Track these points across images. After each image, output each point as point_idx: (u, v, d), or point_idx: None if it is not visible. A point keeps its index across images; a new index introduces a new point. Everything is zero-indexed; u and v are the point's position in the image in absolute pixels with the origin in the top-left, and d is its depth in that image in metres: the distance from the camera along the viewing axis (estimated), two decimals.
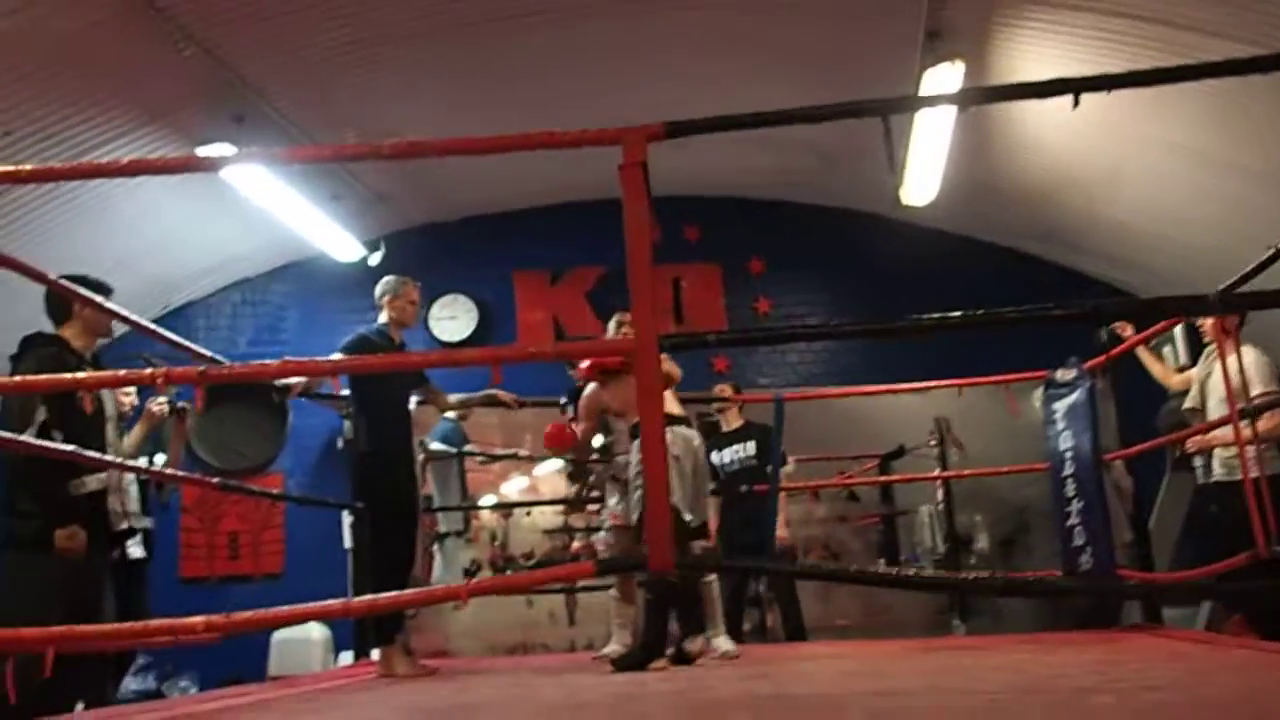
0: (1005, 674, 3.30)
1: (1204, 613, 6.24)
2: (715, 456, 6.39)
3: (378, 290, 4.91)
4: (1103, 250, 8.32)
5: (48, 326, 3.98)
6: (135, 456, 4.71)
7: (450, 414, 7.20)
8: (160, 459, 5.13)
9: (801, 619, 6.56)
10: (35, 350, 3.83)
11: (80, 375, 3.52)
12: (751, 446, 6.52)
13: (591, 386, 4.80)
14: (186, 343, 4.10)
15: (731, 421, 6.73)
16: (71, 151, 6.08)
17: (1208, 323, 5.24)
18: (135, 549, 4.88)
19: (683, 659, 4.30)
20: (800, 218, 8.97)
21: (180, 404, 5.03)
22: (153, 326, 3.95)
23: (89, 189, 6.69)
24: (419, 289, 5.01)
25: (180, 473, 5.07)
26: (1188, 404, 5.46)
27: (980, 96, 2.63)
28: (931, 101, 3.00)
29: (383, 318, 4.85)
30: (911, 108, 3.42)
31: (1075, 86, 2.44)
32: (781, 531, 6.49)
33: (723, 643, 4.58)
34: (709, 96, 5.37)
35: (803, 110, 2.57)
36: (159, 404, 4.93)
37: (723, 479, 6.43)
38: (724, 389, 6.90)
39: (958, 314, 2.40)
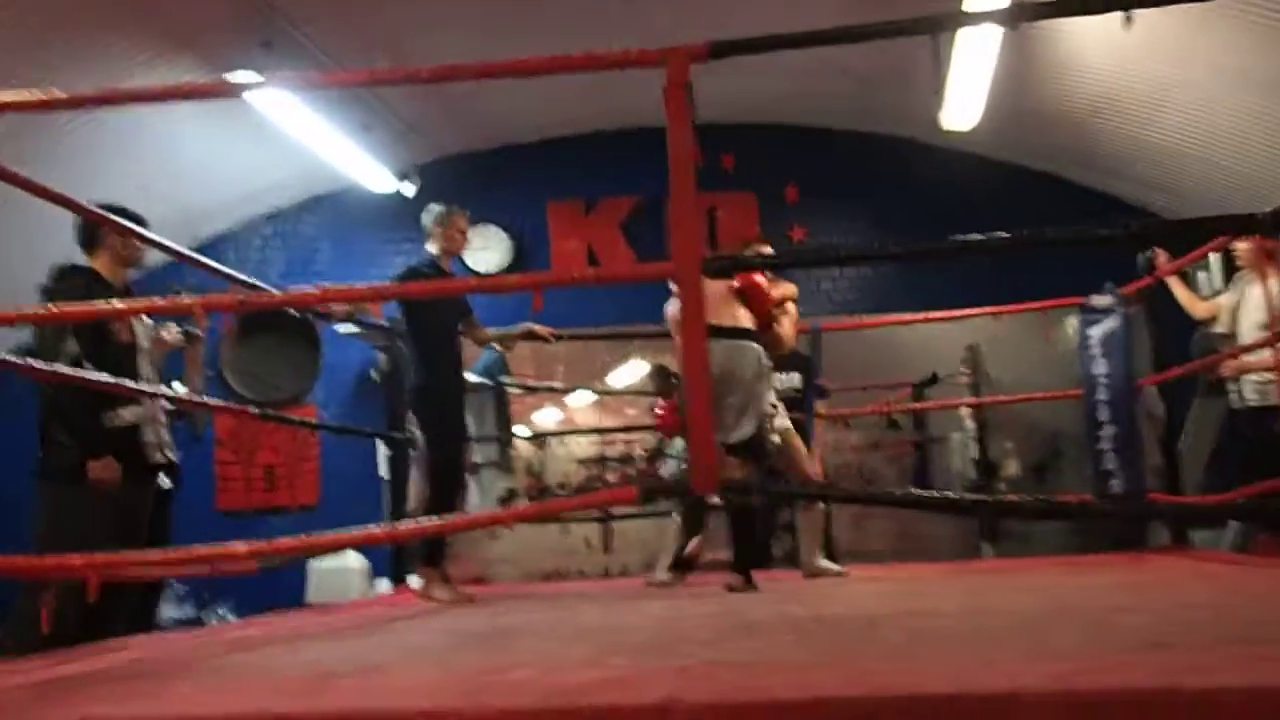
0: (1037, 595, 3.32)
1: (1230, 534, 6.23)
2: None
3: (425, 220, 4.88)
4: (1143, 175, 8.16)
5: (80, 258, 4.00)
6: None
7: (495, 345, 7.22)
8: (178, 387, 5.03)
9: (834, 546, 6.59)
10: (66, 281, 3.84)
11: (113, 304, 3.54)
12: (796, 378, 6.45)
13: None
14: (226, 269, 4.09)
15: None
16: (97, 79, 6.05)
17: (1242, 248, 5.18)
18: (162, 480, 4.87)
19: (684, 565, 4.51)
20: (837, 144, 8.85)
21: (193, 330, 4.78)
22: (189, 253, 3.95)
23: (117, 118, 6.66)
24: (467, 217, 4.96)
25: (218, 402, 5.11)
26: (1219, 329, 5.41)
27: (1030, 13, 2.57)
28: (978, 19, 2.94)
29: (431, 248, 4.81)
30: (958, 25, 3.34)
31: (1127, 3, 2.37)
32: (817, 465, 6.45)
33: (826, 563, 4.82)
34: (746, 19, 5.27)
35: (849, 29, 2.52)
36: (171, 332, 4.61)
37: None
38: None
39: (1001, 235, 2.37)
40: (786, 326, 4.71)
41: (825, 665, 1.84)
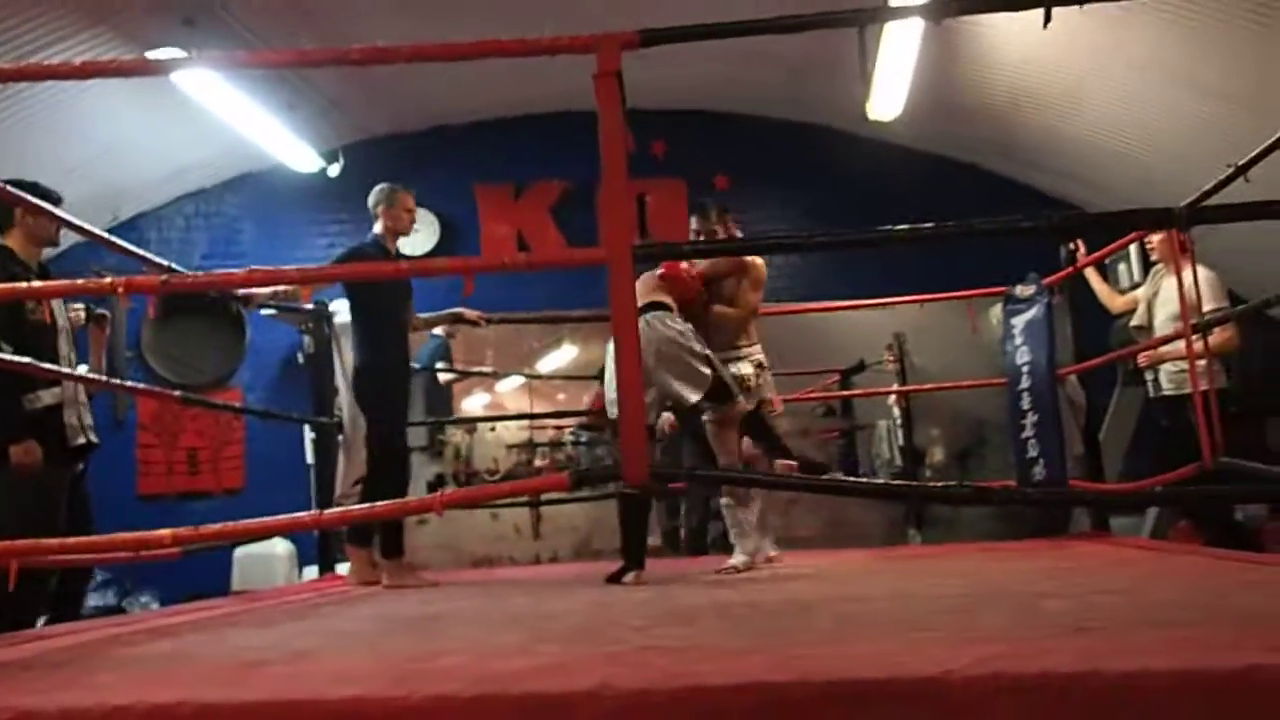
0: (964, 580, 3.38)
1: (1149, 521, 6.42)
2: None
3: (370, 199, 4.84)
4: (1063, 168, 8.35)
5: None
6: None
7: (437, 331, 7.14)
8: (82, 369, 4.91)
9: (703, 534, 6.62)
10: None
11: (32, 285, 3.44)
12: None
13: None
14: (143, 252, 4.00)
15: None
16: (10, 55, 5.87)
17: (1156, 241, 5.32)
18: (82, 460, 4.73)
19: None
20: (766, 132, 8.90)
21: (98, 311, 4.71)
22: (104, 235, 3.85)
23: (34, 95, 6.48)
24: (414, 196, 4.92)
25: (140, 385, 5.00)
26: (1135, 322, 5.56)
27: (955, 8, 2.58)
28: (905, 13, 2.96)
29: (377, 228, 4.77)
30: (886, 18, 3.38)
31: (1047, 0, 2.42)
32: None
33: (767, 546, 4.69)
34: (678, 7, 5.27)
35: (779, 21, 2.53)
36: (74, 309, 4.50)
37: None
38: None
39: (928, 225, 2.40)
40: (741, 299, 4.58)
41: (756, 650, 1.85)
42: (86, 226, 3.73)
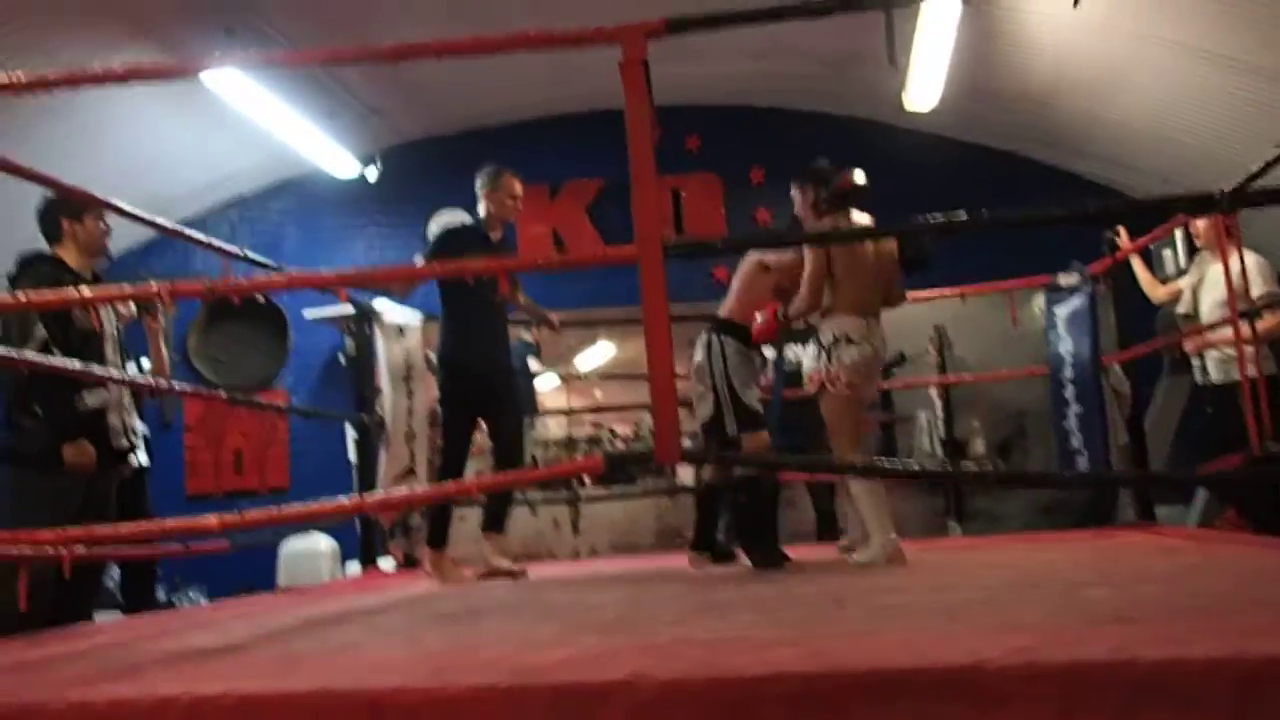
0: (1002, 571, 3.37)
1: (1196, 511, 6.33)
2: (769, 352, 6.32)
3: (476, 182, 4.69)
4: (1105, 153, 8.24)
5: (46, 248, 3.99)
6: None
7: (524, 335, 7.12)
8: (145, 364, 4.96)
9: (835, 521, 6.51)
10: (32, 269, 3.83)
11: (82, 291, 3.53)
12: (812, 349, 6.38)
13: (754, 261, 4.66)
14: (211, 240, 4.04)
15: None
16: (55, 67, 5.99)
17: (1201, 227, 5.24)
18: (138, 457, 4.83)
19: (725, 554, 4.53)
20: (802, 126, 8.87)
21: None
22: (172, 225, 3.91)
23: (83, 107, 6.60)
24: (520, 181, 4.69)
25: (186, 386, 5.08)
26: (1180, 309, 5.48)
27: None
28: None
29: (480, 210, 4.64)
30: (913, 1, 3.37)
31: None
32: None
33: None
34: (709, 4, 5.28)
35: (805, 5, 2.53)
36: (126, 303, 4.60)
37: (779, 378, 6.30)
38: None
39: (964, 215, 2.39)
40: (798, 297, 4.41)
41: (789, 642, 1.86)
42: (145, 215, 3.78)
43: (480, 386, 4.46)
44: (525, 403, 7.83)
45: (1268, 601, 2.21)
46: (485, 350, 4.44)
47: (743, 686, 1.48)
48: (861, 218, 4.43)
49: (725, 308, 4.62)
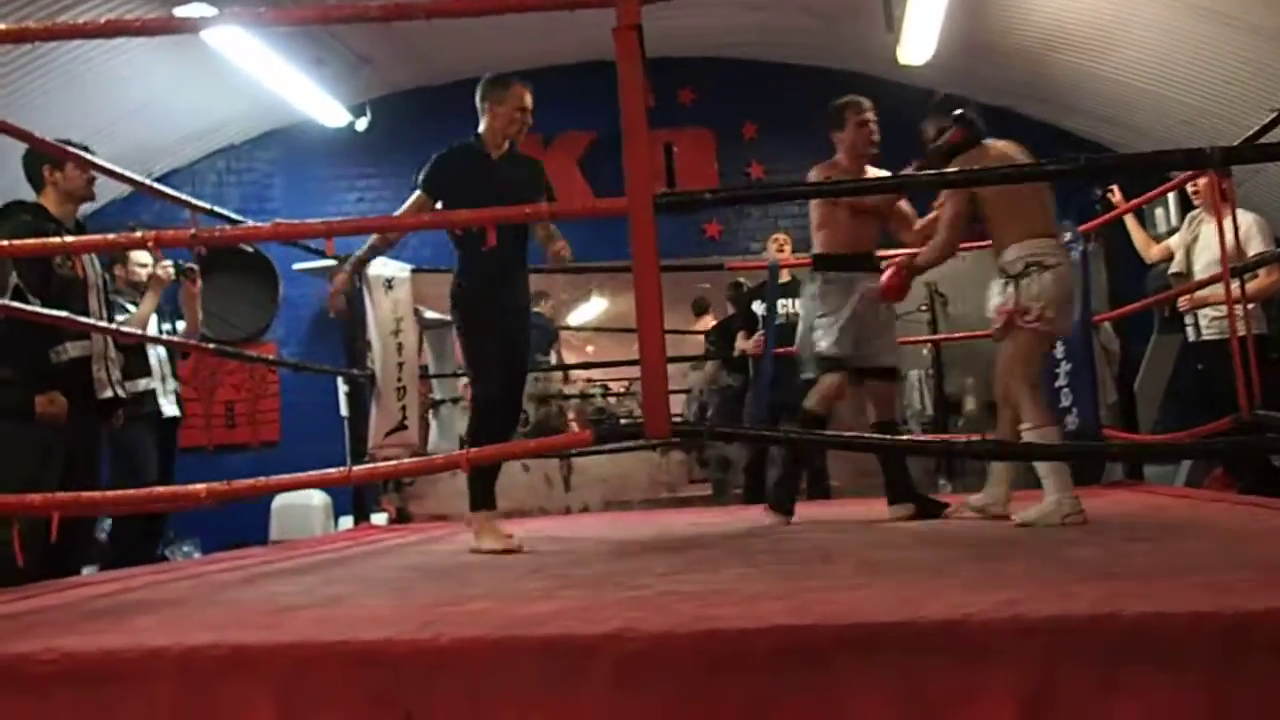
0: (990, 528, 3.39)
1: (1184, 470, 6.37)
2: (759, 308, 6.26)
3: (477, 93, 4.21)
4: (1099, 111, 8.20)
5: (30, 196, 3.95)
6: (145, 324, 4.74)
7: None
8: (181, 326, 5.19)
9: (828, 479, 6.51)
10: (12, 217, 3.79)
11: (64, 240, 3.50)
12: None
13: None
14: (184, 197, 3.99)
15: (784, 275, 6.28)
16: (37, 15, 5.88)
17: (1201, 185, 5.22)
18: (169, 407, 5.12)
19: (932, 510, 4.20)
20: (795, 80, 8.79)
21: (187, 265, 4.97)
22: (145, 181, 3.87)
23: (67, 54, 6.51)
24: (530, 91, 4.15)
25: (175, 338, 5.07)
26: (1174, 269, 5.47)
27: None
28: None
29: (481, 126, 4.10)
30: None
31: None
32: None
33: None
34: None
35: None
36: (164, 267, 4.83)
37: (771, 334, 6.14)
38: (781, 237, 6.61)
39: (955, 170, 2.38)
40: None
41: (777, 596, 1.87)
42: (122, 172, 3.74)
43: (500, 324, 3.86)
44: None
45: (1253, 560, 2.23)
46: (500, 285, 3.86)
47: (730, 639, 1.49)
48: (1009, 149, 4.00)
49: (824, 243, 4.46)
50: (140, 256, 5.09)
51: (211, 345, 5.29)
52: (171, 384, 5.18)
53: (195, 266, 4.97)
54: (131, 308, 4.85)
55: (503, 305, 3.85)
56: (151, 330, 4.81)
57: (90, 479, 3.78)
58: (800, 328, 4.53)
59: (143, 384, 4.90)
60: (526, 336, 4.11)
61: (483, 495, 3.71)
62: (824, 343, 4.24)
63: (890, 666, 1.45)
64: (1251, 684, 1.41)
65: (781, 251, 6.37)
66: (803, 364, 4.46)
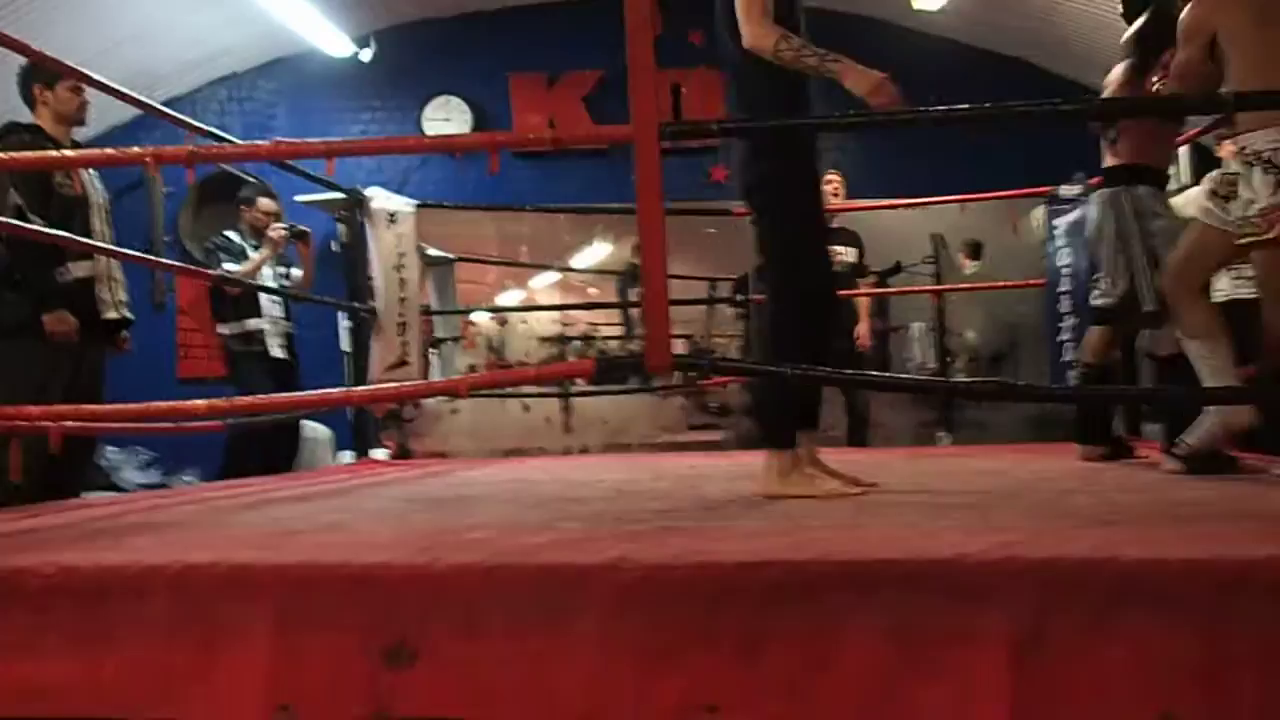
0: (989, 477, 3.39)
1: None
2: None
3: None
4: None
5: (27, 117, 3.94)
6: (255, 275, 5.44)
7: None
8: (296, 274, 5.82)
9: (866, 428, 6.46)
10: (10, 137, 3.79)
11: (63, 154, 3.47)
12: (853, 253, 6.27)
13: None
14: (187, 119, 3.92)
15: (832, 219, 6.03)
16: None
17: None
18: (277, 350, 5.63)
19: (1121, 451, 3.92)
20: (808, 23, 8.60)
21: (300, 227, 5.64)
22: (148, 101, 3.82)
23: None
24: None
25: (178, 264, 5.07)
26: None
27: None
28: None
29: None
30: None
31: None
32: (864, 336, 6.45)
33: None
34: None
35: None
36: (278, 230, 5.48)
37: None
38: (834, 177, 6.24)
39: (964, 107, 2.36)
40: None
41: (774, 532, 1.88)
42: (123, 89, 3.69)
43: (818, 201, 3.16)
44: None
45: (1250, 513, 2.23)
46: (807, 161, 3.13)
47: (725, 572, 1.50)
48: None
49: (1117, 154, 3.78)
50: (265, 203, 5.75)
51: (212, 274, 5.28)
52: (282, 326, 5.69)
53: (308, 230, 5.72)
54: (250, 251, 5.56)
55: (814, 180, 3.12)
56: (266, 277, 5.54)
57: (93, 399, 3.78)
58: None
59: (251, 324, 5.56)
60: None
61: (782, 427, 2.82)
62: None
63: (884, 603, 1.46)
64: (1248, 631, 1.41)
65: (836, 195, 6.21)
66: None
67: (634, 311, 8.42)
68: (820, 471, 2.85)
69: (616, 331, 9.23)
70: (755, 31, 2.75)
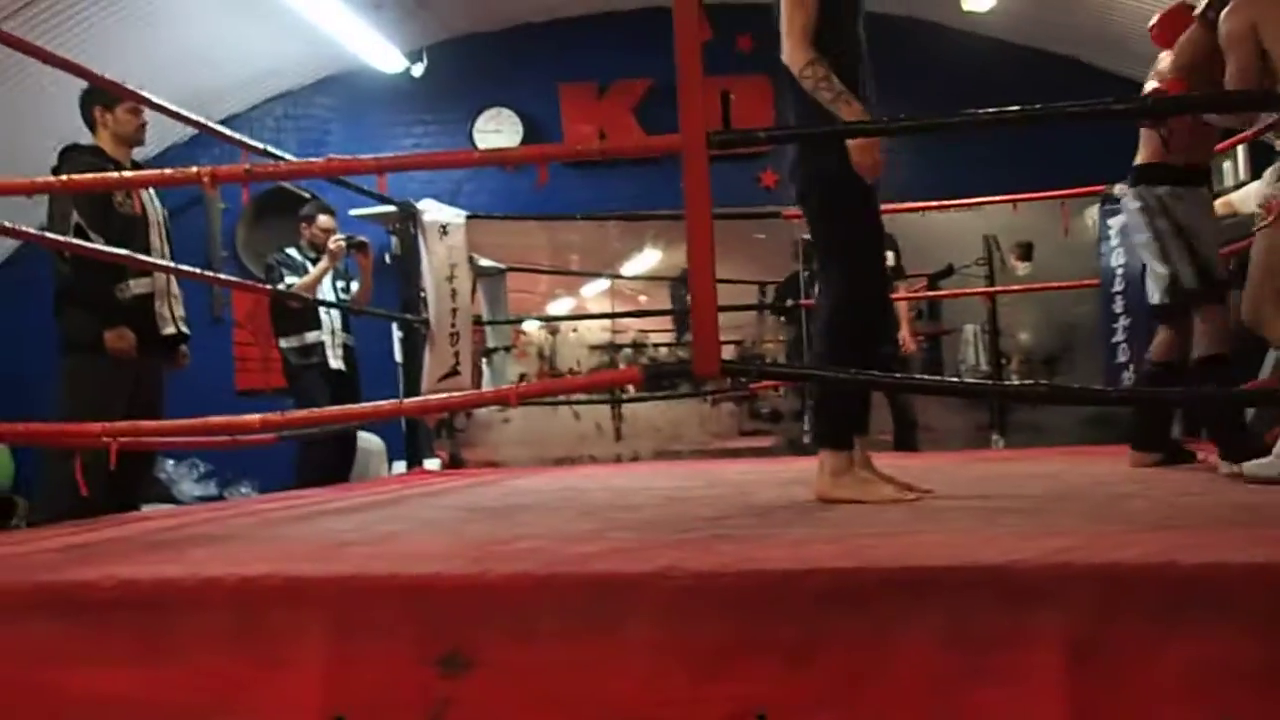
0: (1043, 481, 3.35)
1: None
2: None
3: None
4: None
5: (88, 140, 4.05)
6: (314, 288, 5.59)
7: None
8: (355, 288, 5.96)
9: (915, 434, 6.34)
10: (72, 158, 3.89)
11: (122, 175, 3.56)
12: (890, 256, 6.24)
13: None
14: (242, 138, 4.02)
15: None
16: None
17: None
18: (337, 362, 5.76)
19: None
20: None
21: (359, 238, 5.74)
22: (205, 122, 3.91)
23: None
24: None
25: (236, 279, 5.17)
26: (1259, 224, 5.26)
27: None
28: None
29: None
30: None
31: None
32: (907, 340, 6.44)
33: None
34: None
35: None
36: (336, 241, 5.59)
37: None
38: None
39: (1015, 108, 2.33)
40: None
41: (825, 540, 1.87)
42: (180, 111, 3.77)
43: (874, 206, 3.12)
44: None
45: None
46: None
47: (774, 579, 1.49)
48: None
49: (1141, 153, 3.82)
50: (324, 220, 5.85)
51: (270, 288, 5.38)
52: (341, 338, 5.80)
53: (367, 241, 5.82)
54: (310, 266, 5.68)
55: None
56: (326, 290, 5.68)
57: (153, 414, 3.86)
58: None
59: (310, 337, 5.71)
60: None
61: (839, 427, 2.81)
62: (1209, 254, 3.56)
63: (937, 609, 1.44)
64: None
65: None
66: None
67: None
68: (874, 476, 2.84)
69: (667, 338, 9.23)
70: (791, 48, 2.82)
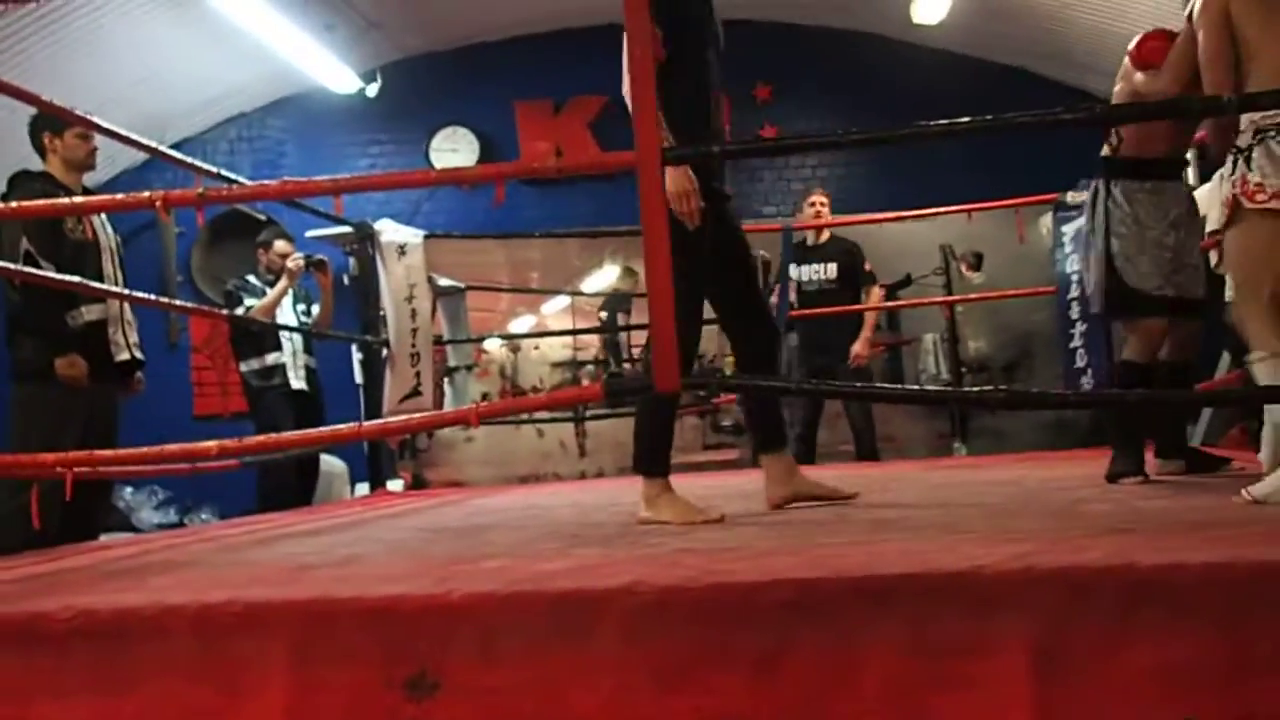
0: (1004, 487, 3.38)
1: (1201, 428, 6.33)
2: (794, 272, 6.07)
3: None
4: (1115, 69, 8.08)
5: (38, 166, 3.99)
6: (273, 309, 5.50)
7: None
8: (316, 310, 5.87)
9: (875, 443, 6.18)
10: (21, 185, 3.84)
11: (72, 200, 3.52)
12: (833, 269, 6.13)
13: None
14: (194, 161, 4.00)
15: (820, 235, 6.25)
16: None
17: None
18: (298, 382, 5.66)
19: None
20: (808, 40, 8.72)
21: (317, 257, 5.67)
22: (155, 145, 3.87)
23: (70, 20, 6.49)
24: None
25: (191, 305, 5.11)
26: (1211, 227, 5.36)
27: None
28: None
29: None
30: None
31: None
32: (861, 350, 6.09)
33: None
34: None
35: None
36: (295, 260, 5.52)
37: (798, 299, 6.10)
38: (818, 198, 6.32)
39: (966, 119, 2.36)
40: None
41: (788, 551, 1.87)
42: (133, 136, 3.73)
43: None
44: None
45: (1267, 516, 2.21)
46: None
47: (740, 591, 1.50)
48: None
49: (1109, 144, 3.62)
50: (281, 245, 5.76)
51: (226, 313, 5.33)
52: (303, 359, 5.70)
53: (325, 259, 5.72)
54: (268, 290, 5.57)
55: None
56: (286, 312, 5.63)
57: (108, 441, 3.81)
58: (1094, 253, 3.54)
59: (271, 359, 5.60)
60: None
61: (654, 455, 2.86)
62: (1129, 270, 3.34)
63: (902, 618, 1.45)
64: (1269, 633, 1.40)
65: (819, 216, 6.20)
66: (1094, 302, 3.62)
67: (622, 336, 8.45)
68: (680, 498, 2.76)
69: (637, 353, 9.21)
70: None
